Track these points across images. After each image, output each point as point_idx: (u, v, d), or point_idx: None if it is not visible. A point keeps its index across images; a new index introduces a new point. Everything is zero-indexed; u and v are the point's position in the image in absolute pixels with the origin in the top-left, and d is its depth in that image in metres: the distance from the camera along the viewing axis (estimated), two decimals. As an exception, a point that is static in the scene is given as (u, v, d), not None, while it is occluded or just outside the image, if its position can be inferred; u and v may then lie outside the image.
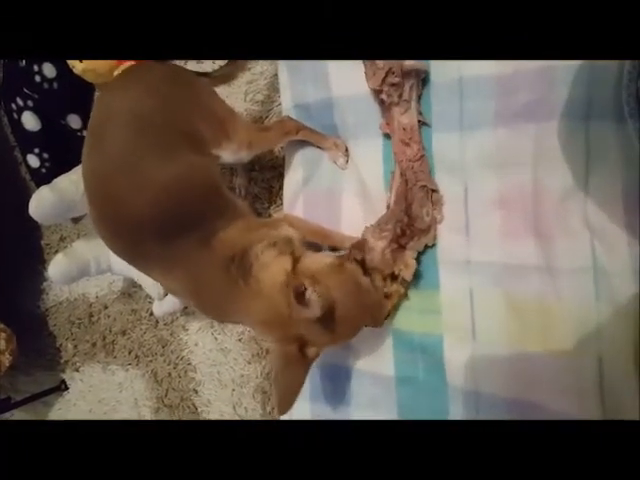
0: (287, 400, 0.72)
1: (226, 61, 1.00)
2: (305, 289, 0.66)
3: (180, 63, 1.03)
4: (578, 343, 0.73)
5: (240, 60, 0.99)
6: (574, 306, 0.73)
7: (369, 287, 0.77)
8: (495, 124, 0.79)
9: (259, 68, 1.08)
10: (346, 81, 0.91)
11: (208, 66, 1.15)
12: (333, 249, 0.89)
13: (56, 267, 1.13)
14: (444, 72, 0.82)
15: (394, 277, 0.83)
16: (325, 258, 0.77)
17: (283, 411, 0.72)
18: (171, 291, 0.83)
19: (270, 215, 1.12)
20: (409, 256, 0.82)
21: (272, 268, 0.73)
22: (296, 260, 0.74)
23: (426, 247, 0.84)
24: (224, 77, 0.98)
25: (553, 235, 0.76)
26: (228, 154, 0.84)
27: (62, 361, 1.63)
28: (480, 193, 0.82)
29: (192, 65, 1.17)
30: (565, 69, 0.72)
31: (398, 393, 0.88)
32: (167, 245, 0.72)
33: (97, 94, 1.41)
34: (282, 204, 1.05)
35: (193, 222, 0.73)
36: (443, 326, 0.84)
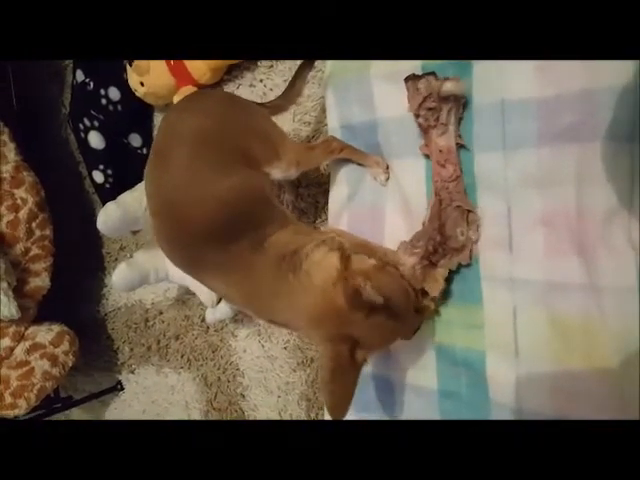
0: (341, 406, 0.72)
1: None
2: (359, 286, 0.69)
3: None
4: (622, 362, 0.73)
5: (291, 94, 1.04)
6: (618, 325, 0.73)
7: (410, 290, 0.78)
8: (538, 144, 0.80)
9: (307, 91, 1.13)
10: (390, 103, 0.95)
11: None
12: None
13: (119, 276, 1.22)
14: (486, 95, 0.84)
15: (424, 293, 0.85)
16: (369, 260, 0.79)
17: (337, 418, 0.72)
18: (227, 298, 0.87)
19: (315, 228, 1.17)
20: (439, 273, 0.84)
21: (322, 263, 0.75)
22: (346, 257, 0.76)
23: (460, 266, 0.86)
24: (275, 108, 1.03)
25: (597, 254, 0.76)
26: (278, 172, 0.90)
27: (119, 363, 1.73)
28: (523, 211, 0.83)
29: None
30: (608, 91, 0.73)
31: (441, 407, 0.90)
32: (224, 252, 0.77)
33: (158, 114, 1.51)
34: (327, 219, 1.10)
35: (248, 229, 0.78)
36: (486, 342, 0.85)
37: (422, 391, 0.92)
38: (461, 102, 0.85)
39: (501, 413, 0.83)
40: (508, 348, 0.83)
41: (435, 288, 0.84)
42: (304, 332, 0.92)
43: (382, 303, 0.69)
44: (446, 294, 0.89)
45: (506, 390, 0.82)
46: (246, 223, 0.79)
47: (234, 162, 0.82)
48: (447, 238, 0.85)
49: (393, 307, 0.71)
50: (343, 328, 0.72)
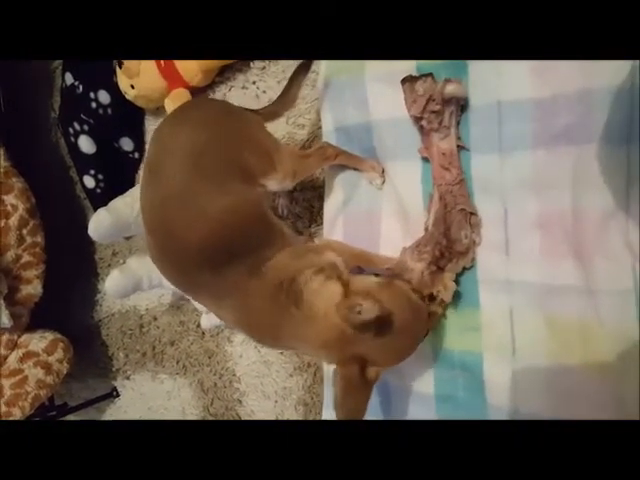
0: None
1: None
2: (355, 307, 0.68)
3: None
4: (619, 365, 0.72)
5: (286, 99, 1.02)
6: (615, 328, 0.73)
7: (420, 302, 0.78)
8: (534, 146, 0.80)
9: (300, 93, 1.12)
10: (384, 105, 0.94)
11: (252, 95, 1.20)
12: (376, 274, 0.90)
13: (112, 282, 1.21)
14: (481, 96, 0.84)
15: (432, 298, 0.84)
16: (372, 278, 0.79)
17: None
18: (223, 320, 0.86)
19: (311, 234, 1.16)
20: (448, 278, 0.83)
21: (323, 292, 0.74)
22: (345, 283, 0.76)
23: (464, 269, 0.86)
24: (268, 115, 1.00)
25: (593, 256, 0.76)
26: (274, 183, 0.87)
27: (114, 369, 1.71)
28: (520, 213, 0.82)
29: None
30: (604, 93, 0.73)
31: (438, 411, 0.89)
32: (219, 274, 0.75)
33: (149, 118, 1.49)
34: (322, 223, 1.08)
35: (244, 251, 0.76)
36: (483, 344, 0.85)
37: (419, 395, 0.92)
38: (460, 104, 0.85)
39: (498, 415, 0.83)
40: (505, 350, 0.83)
41: (448, 294, 0.83)
42: (312, 355, 0.90)
43: (377, 319, 0.68)
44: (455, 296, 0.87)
45: (503, 392, 0.82)
46: (243, 245, 0.76)
47: (230, 177, 0.79)
48: (453, 242, 0.85)
49: (400, 322, 0.71)
50: (351, 350, 0.72)
